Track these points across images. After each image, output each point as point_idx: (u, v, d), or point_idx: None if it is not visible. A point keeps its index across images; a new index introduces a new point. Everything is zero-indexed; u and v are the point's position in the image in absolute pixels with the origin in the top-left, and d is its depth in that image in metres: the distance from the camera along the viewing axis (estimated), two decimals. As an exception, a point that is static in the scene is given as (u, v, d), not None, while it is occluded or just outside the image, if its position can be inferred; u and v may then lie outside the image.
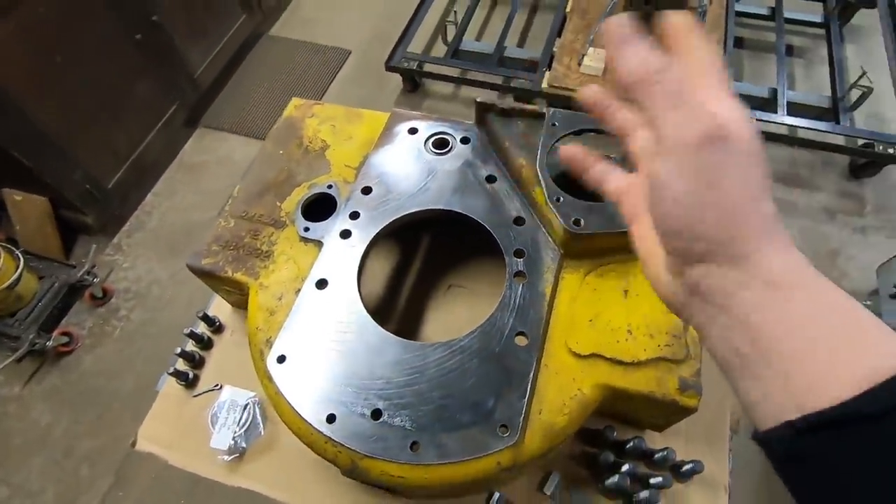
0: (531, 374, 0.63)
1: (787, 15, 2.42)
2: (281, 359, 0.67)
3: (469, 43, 2.48)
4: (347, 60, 2.67)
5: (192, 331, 0.83)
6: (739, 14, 2.46)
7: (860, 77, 2.05)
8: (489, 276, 0.90)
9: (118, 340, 1.93)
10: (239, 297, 0.81)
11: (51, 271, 1.91)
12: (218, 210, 2.19)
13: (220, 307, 0.91)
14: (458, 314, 0.87)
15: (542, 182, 0.71)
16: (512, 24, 2.44)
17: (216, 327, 0.87)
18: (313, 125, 0.90)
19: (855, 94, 2.09)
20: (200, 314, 0.85)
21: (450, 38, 2.43)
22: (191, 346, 0.85)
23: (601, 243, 0.70)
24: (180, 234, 2.17)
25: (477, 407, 0.62)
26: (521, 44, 2.65)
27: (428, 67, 2.38)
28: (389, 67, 2.35)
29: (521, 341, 0.66)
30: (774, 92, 2.15)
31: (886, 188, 2.09)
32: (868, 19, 2.51)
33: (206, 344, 0.86)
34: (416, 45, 2.53)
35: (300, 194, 0.82)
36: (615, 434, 0.72)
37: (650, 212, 0.33)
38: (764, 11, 2.52)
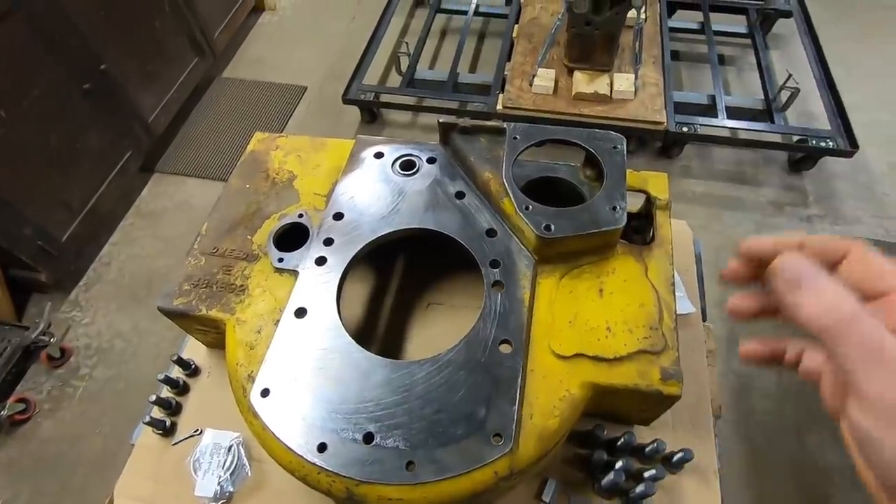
0: (519, 381, 0.64)
1: (715, 28, 2.60)
2: (265, 392, 0.65)
3: (423, 72, 2.55)
4: (303, 97, 2.69)
5: (166, 376, 0.80)
6: (672, 29, 2.62)
7: (787, 80, 2.21)
8: (466, 291, 0.91)
9: (80, 401, 1.82)
10: (215, 337, 0.79)
11: (2, 335, 1.80)
12: (179, 255, 2.14)
13: (194, 349, 0.88)
14: (439, 330, 0.88)
15: (511, 193, 0.74)
16: (462, 52, 2.53)
17: (192, 370, 0.84)
18: (279, 157, 0.90)
19: (784, 95, 2.25)
20: (174, 358, 0.82)
21: (404, 68, 2.49)
22: (166, 392, 0.82)
23: (572, 246, 0.72)
24: (141, 283, 2.09)
25: (469, 418, 0.62)
26: (472, 69, 2.74)
27: (385, 98, 2.42)
28: (347, 100, 2.38)
29: (505, 349, 0.67)
30: (713, 98, 2.29)
31: (824, 179, 2.24)
32: (787, 28, 2.73)
33: (182, 389, 0.82)
34: (371, 78, 2.58)
35: (271, 226, 0.81)
36: (605, 432, 0.73)
37: (861, 460, 0.30)
38: (694, 26, 2.70)
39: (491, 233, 0.76)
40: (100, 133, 2.03)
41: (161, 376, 0.79)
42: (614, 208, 0.72)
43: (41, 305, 1.97)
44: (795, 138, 2.17)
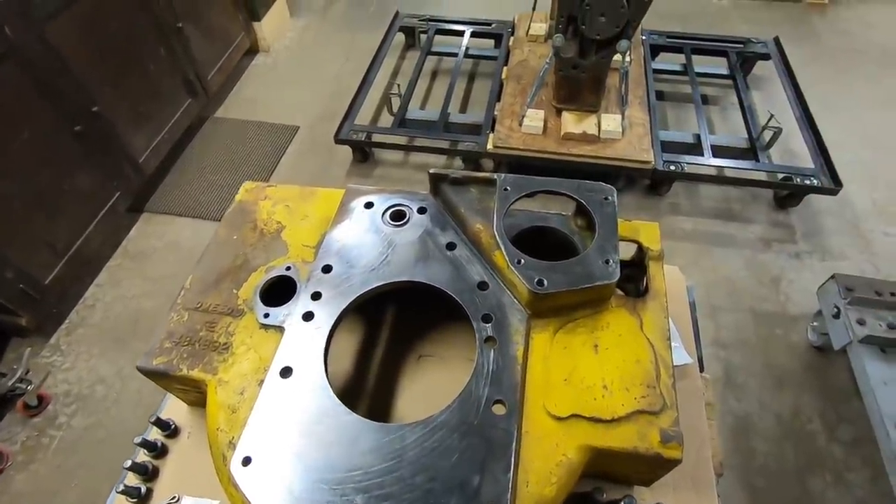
0: (513, 445, 0.61)
1: (697, 69, 2.69)
2: (246, 461, 0.62)
3: (414, 112, 2.59)
4: (296, 136, 2.71)
5: (143, 439, 0.76)
6: (657, 71, 2.71)
7: (769, 120, 2.27)
8: (458, 343, 0.89)
9: (56, 453, 1.74)
10: (196, 396, 0.76)
11: (-23, 383, 1.73)
12: (167, 296, 2.10)
13: (174, 407, 0.84)
14: (431, 384, 0.85)
15: (502, 246, 0.73)
16: (453, 92, 2.58)
17: (171, 431, 0.80)
18: (267, 207, 0.89)
19: (767, 135, 2.31)
20: (153, 419, 0.78)
21: (395, 108, 2.52)
22: (142, 456, 0.78)
23: (566, 300, 0.71)
24: (127, 326, 2.04)
25: (462, 487, 0.59)
26: (463, 109, 2.79)
27: (376, 137, 2.45)
28: (339, 140, 2.40)
29: (499, 409, 0.64)
30: (698, 137, 2.34)
31: (811, 215, 2.27)
32: (766, 69, 2.82)
33: (159, 451, 0.78)
34: (363, 118, 2.61)
35: (257, 279, 0.79)
36: (604, 495, 0.70)
37: None
38: (677, 68, 2.79)
39: (483, 286, 0.75)
40: (89, 174, 2.02)
41: (138, 440, 0.75)
42: (607, 262, 0.71)
43: (19, 351, 1.90)
44: (780, 176, 2.21)
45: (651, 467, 0.66)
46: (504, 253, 0.72)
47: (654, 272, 0.77)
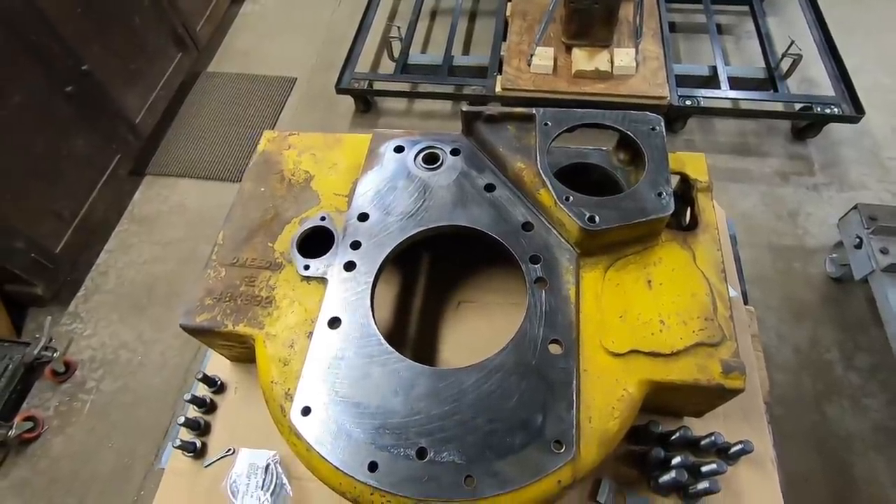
0: (574, 383, 0.61)
1: (711, -4, 2.54)
2: (306, 411, 0.61)
3: (416, 56, 2.47)
4: (294, 89, 2.60)
5: (192, 395, 0.76)
6: (669, 0, 2.56)
7: (789, 46, 2.17)
8: (496, 287, 0.87)
9: (89, 416, 1.78)
10: (240, 351, 0.75)
11: (2, 353, 1.74)
12: (178, 260, 2.08)
13: (217, 364, 0.84)
14: (472, 330, 0.84)
15: (548, 183, 0.70)
16: (455, 33, 2.45)
17: (217, 387, 0.80)
18: (292, 157, 0.85)
19: (786, 63, 2.21)
20: (199, 376, 0.77)
21: (396, 53, 2.41)
22: (193, 412, 0.78)
23: (617, 237, 0.69)
24: (142, 291, 2.03)
25: (526, 426, 0.59)
26: (466, 51, 2.66)
27: (378, 85, 2.35)
28: (340, 90, 2.31)
29: (555, 349, 0.64)
30: (714, 69, 2.24)
31: (829, 145, 2.22)
32: (783, -8, 2.67)
33: (209, 408, 0.78)
34: (362, 65, 2.49)
35: (292, 231, 0.77)
36: (660, 427, 0.70)
37: None
38: (690, -5, 2.64)
39: (527, 226, 0.73)
40: (86, 138, 1.95)
41: (188, 396, 0.75)
42: (660, 194, 0.68)
43: (40, 320, 1.90)
44: (799, 106, 2.14)
45: (709, 399, 0.66)
46: (551, 190, 0.69)
47: (704, 204, 0.75)
